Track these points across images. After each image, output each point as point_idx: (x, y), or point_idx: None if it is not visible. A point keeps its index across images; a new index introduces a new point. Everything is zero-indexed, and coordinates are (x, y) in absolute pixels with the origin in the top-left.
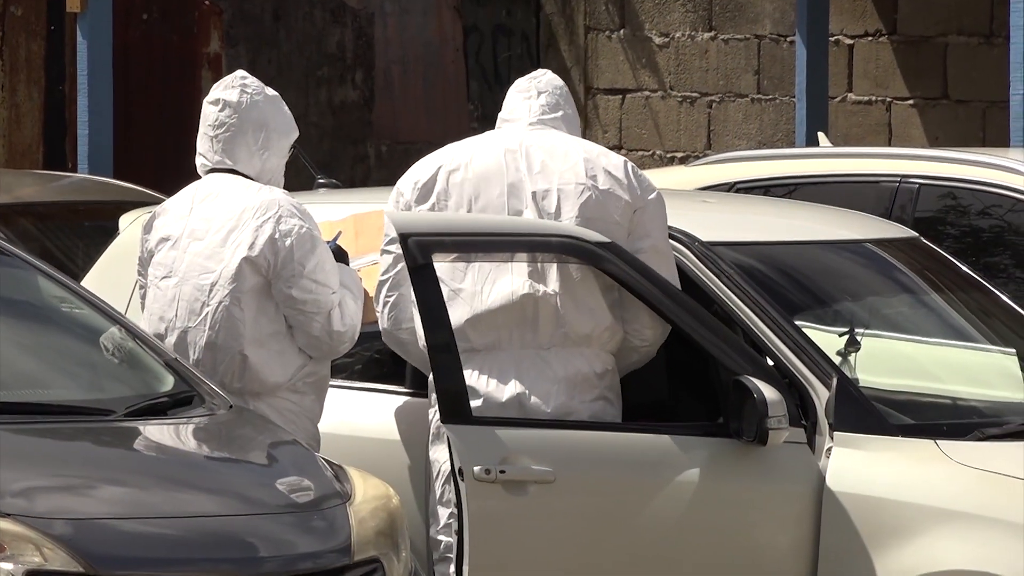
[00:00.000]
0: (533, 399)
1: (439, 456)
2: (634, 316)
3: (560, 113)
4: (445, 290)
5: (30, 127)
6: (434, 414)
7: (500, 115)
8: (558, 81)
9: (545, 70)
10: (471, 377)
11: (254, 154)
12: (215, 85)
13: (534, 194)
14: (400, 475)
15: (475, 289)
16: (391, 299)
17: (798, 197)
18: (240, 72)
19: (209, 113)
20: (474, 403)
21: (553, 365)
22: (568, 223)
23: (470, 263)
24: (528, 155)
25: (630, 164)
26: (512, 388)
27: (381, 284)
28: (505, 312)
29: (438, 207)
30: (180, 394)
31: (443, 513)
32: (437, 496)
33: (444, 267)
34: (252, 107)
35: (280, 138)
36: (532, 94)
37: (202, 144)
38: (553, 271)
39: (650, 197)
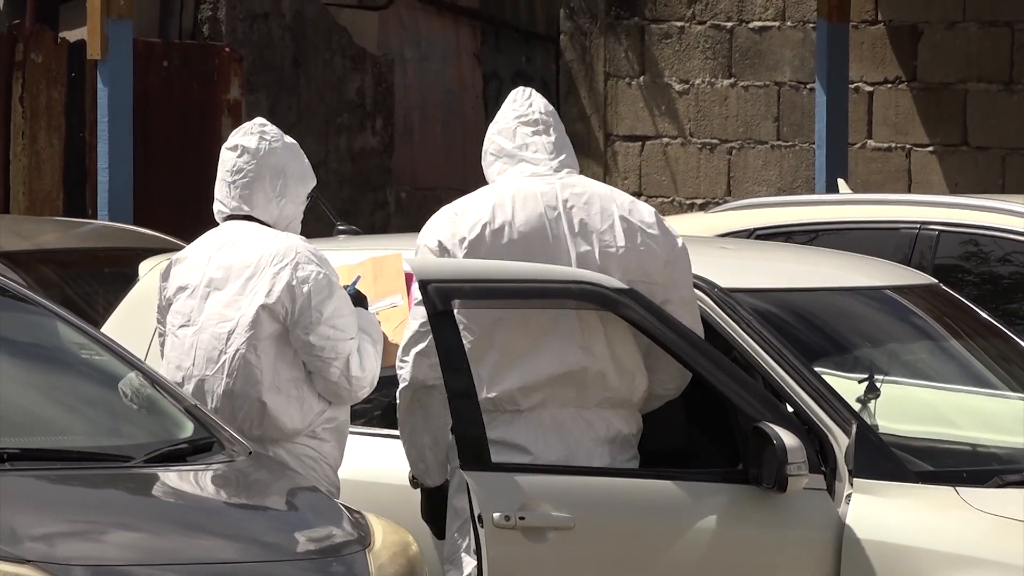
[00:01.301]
0: (579, 457)
1: (465, 504)
2: (660, 367)
3: (568, 153)
4: (496, 356)
5: (50, 174)
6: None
7: (498, 137)
8: (551, 106)
9: (530, 90)
10: (519, 435)
11: (271, 200)
12: (234, 131)
13: (578, 256)
14: (419, 521)
15: (525, 358)
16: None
17: (818, 244)
18: (259, 119)
19: (227, 159)
20: (522, 460)
21: (595, 426)
22: (587, 271)
23: (524, 330)
24: (568, 214)
25: (657, 214)
26: (560, 448)
27: (420, 335)
28: (554, 379)
29: None
30: (199, 440)
31: (469, 562)
32: (465, 545)
33: (499, 333)
34: (270, 154)
35: (298, 185)
36: (540, 128)
37: (220, 190)
38: (601, 338)
39: (677, 248)
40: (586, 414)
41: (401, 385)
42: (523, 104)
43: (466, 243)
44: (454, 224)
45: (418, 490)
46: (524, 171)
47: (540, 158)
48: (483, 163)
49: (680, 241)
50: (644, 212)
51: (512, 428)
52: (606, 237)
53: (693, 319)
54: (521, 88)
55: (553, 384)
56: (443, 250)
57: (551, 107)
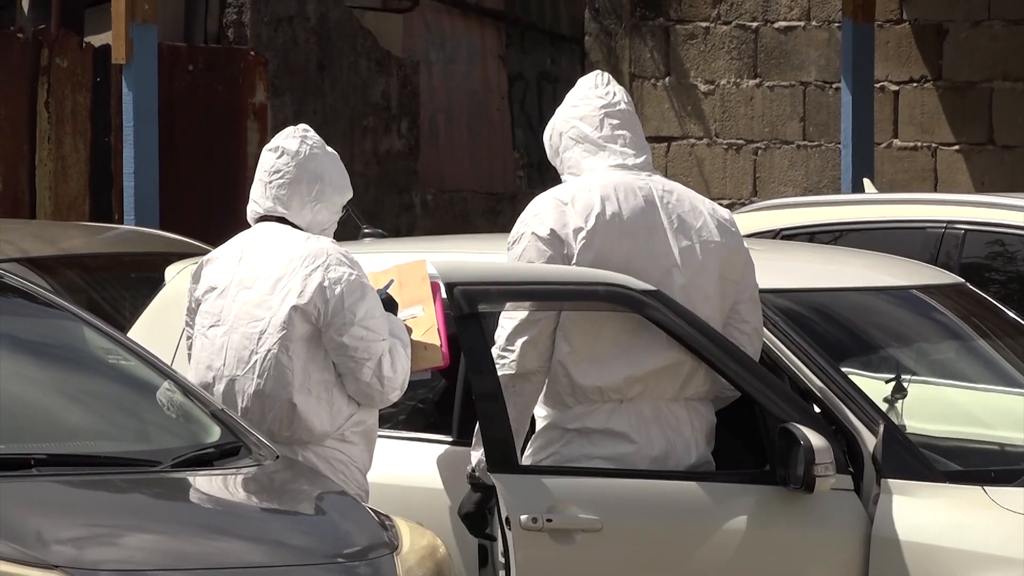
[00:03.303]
0: (679, 449)
1: None
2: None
3: (648, 151)
4: (605, 345)
5: (76, 179)
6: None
7: (581, 123)
8: (629, 96)
9: (608, 76)
10: (622, 424)
11: (306, 204)
12: (278, 134)
13: (680, 251)
14: (447, 525)
15: (631, 350)
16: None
17: (844, 243)
18: (303, 125)
19: (267, 160)
20: (625, 449)
21: (691, 416)
22: (612, 272)
23: (626, 323)
24: (666, 209)
25: (732, 215)
26: (661, 439)
27: (528, 324)
28: (655, 372)
29: (600, 255)
30: (227, 445)
31: None
32: None
33: (610, 324)
34: (311, 158)
35: (334, 193)
36: (626, 121)
37: (256, 190)
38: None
39: (745, 246)
40: (682, 405)
41: (504, 372)
42: (605, 93)
43: (583, 233)
44: (565, 214)
45: (445, 491)
46: (610, 161)
47: (628, 152)
48: (554, 142)
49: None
50: (724, 212)
51: (614, 417)
52: (703, 233)
53: (759, 319)
54: (598, 73)
55: (654, 376)
56: (556, 239)
57: (629, 97)
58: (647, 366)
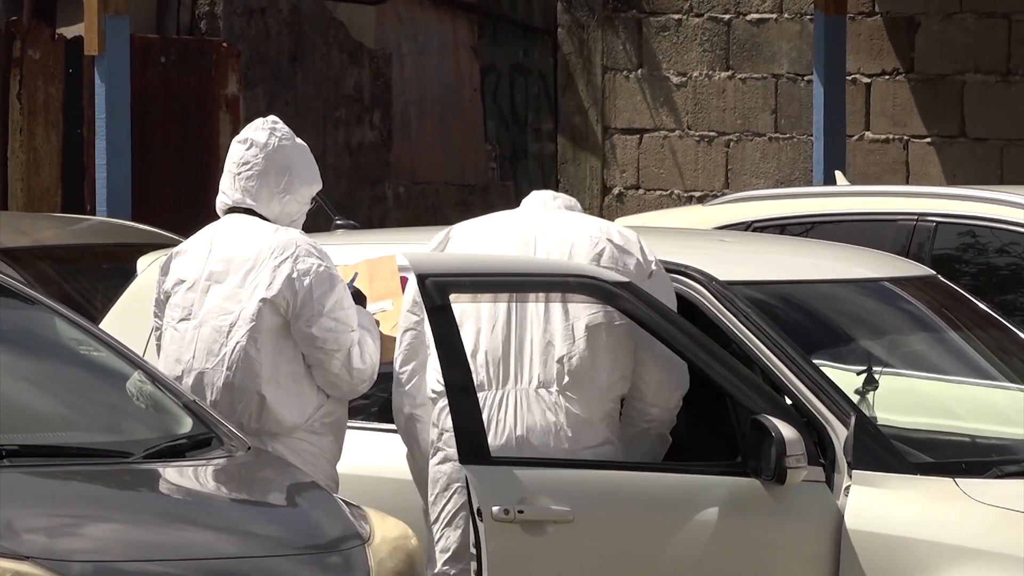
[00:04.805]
0: (535, 443)
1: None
2: (638, 395)
3: (575, 205)
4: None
5: (48, 170)
6: (438, 462)
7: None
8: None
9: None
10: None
11: (274, 196)
12: (247, 126)
13: (548, 248)
14: (418, 516)
15: (491, 322)
16: (405, 371)
17: (815, 236)
18: (272, 117)
19: (235, 151)
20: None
21: (556, 408)
22: (585, 264)
23: (492, 300)
24: (545, 225)
25: (639, 236)
26: (512, 432)
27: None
28: (515, 348)
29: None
30: (198, 436)
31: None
32: (457, 536)
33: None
34: (279, 150)
35: (302, 185)
36: (548, 198)
37: (225, 181)
38: (571, 310)
39: (655, 267)
40: (545, 394)
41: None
42: (552, 197)
43: (431, 247)
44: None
45: (419, 484)
46: None
47: (536, 207)
48: None
49: (658, 264)
50: (625, 229)
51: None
52: (582, 233)
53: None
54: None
55: (513, 353)
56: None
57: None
58: (490, 345)
